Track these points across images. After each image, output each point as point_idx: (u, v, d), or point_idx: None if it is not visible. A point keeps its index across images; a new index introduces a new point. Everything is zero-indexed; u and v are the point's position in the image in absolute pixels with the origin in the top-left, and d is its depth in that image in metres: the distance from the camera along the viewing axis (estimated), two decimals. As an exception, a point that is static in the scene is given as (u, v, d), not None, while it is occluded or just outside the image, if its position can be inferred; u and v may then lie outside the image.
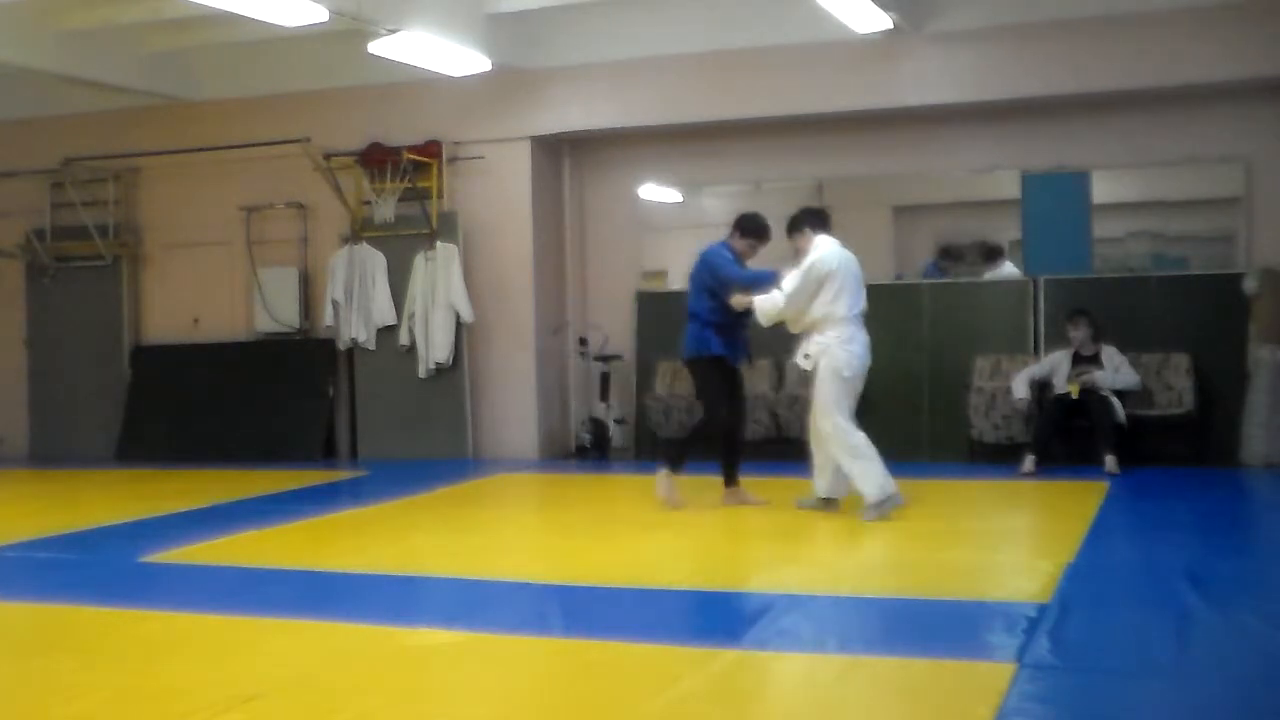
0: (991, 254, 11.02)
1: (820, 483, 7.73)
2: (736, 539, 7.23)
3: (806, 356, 7.55)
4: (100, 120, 12.52)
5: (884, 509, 7.38)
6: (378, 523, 8.29)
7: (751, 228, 8.03)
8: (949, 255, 11.20)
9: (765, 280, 7.72)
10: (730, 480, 8.16)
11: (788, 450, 10.03)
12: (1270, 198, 10.13)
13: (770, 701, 4.20)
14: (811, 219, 7.77)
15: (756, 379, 11.01)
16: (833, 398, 7.50)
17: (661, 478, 7.96)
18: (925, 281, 11.06)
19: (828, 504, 7.72)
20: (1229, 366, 9.91)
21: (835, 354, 7.46)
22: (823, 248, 7.57)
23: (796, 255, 7.66)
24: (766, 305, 7.60)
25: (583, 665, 4.61)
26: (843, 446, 7.47)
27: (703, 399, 8.18)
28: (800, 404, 10.59)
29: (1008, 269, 10.93)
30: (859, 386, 7.65)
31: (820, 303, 7.47)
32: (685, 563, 6.74)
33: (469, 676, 4.56)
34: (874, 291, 10.94)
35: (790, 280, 7.51)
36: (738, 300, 7.76)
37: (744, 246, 8.01)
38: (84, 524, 8.10)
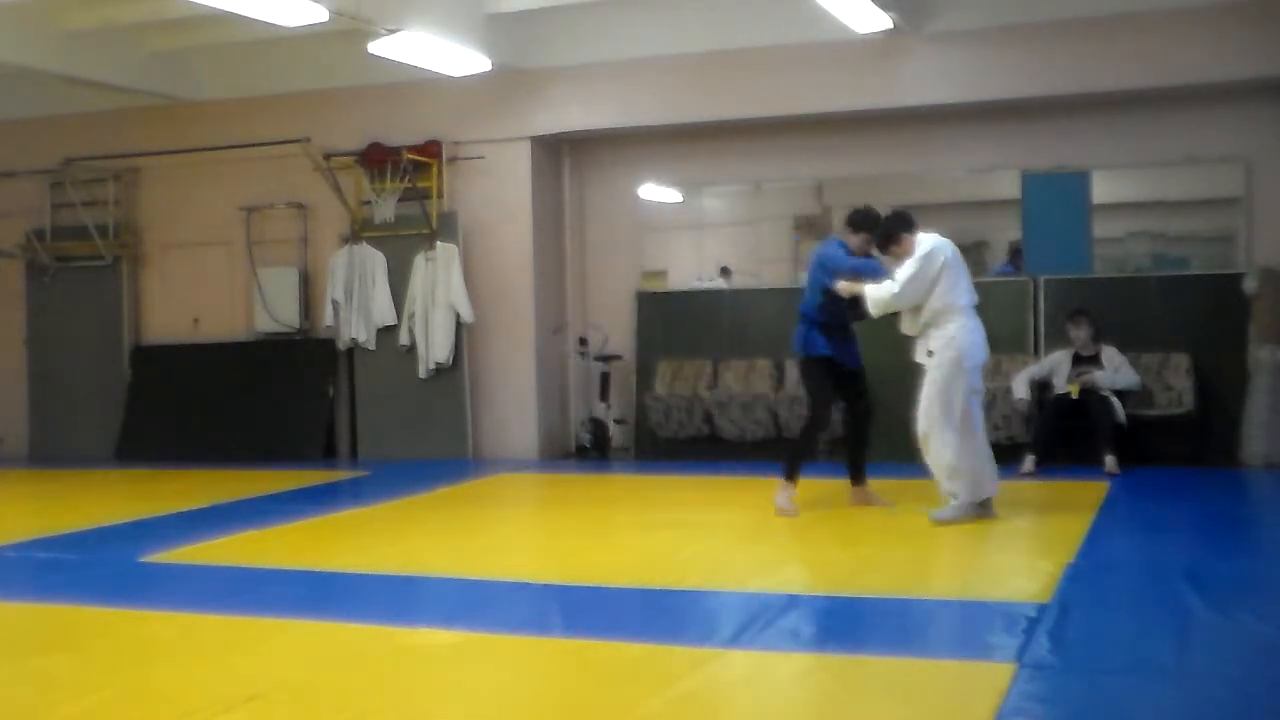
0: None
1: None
2: (736, 539, 7.23)
3: (930, 354, 7.29)
4: (100, 120, 12.52)
5: (960, 515, 7.22)
6: (378, 523, 8.29)
7: (864, 221, 7.79)
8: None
9: (872, 269, 7.56)
10: (857, 479, 8.00)
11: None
12: (1270, 198, 10.13)
13: (770, 701, 4.20)
14: (903, 224, 7.52)
15: (756, 379, 11.03)
16: (941, 394, 7.25)
17: (781, 488, 7.72)
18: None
19: (982, 508, 7.41)
20: (1229, 366, 9.91)
21: (959, 343, 7.26)
22: (929, 240, 7.37)
23: (897, 263, 7.42)
24: (878, 293, 7.33)
25: (583, 665, 4.61)
26: (933, 453, 7.28)
27: (808, 399, 8.08)
28: (800, 403, 10.59)
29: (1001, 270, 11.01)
30: (970, 384, 7.36)
31: (939, 292, 7.26)
32: (685, 563, 6.73)
33: (469, 676, 4.56)
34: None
35: (906, 269, 7.27)
36: (844, 286, 7.54)
37: (859, 242, 7.77)
38: (84, 524, 8.10)
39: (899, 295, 7.30)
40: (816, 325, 7.81)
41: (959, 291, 7.32)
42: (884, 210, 7.95)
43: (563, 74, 11.37)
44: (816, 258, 7.93)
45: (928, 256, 7.26)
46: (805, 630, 5.04)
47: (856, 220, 7.86)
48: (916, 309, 7.34)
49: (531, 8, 10.56)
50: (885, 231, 7.58)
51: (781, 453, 7.88)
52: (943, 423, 7.26)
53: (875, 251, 7.75)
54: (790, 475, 7.76)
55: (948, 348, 7.27)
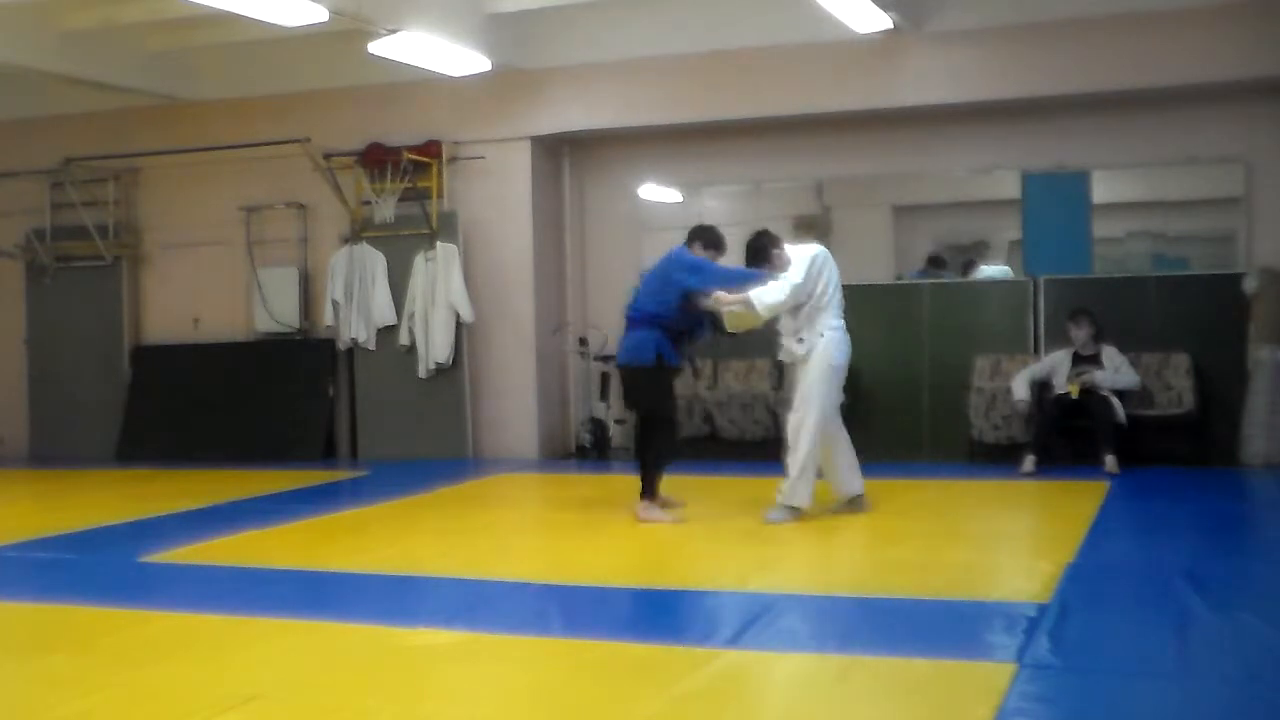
0: (968, 265, 11.15)
1: (834, 484, 7.69)
2: (737, 539, 7.23)
3: (801, 341, 7.49)
4: (100, 120, 12.52)
5: (790, 519, 7.38)
6: (378, 523, 8.29)
7: (714, 240, 7.84)
8: (936, 264, 11.25)
9: (755, 276, 7.59)
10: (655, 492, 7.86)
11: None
12: (1270, 198, 10.13)
13: (770, 701, 4.20)
14: (774, 241, 7.67)
15: (756, 379, 11.03)
16: (822, 390, 7.47)
17: (645, 507, 7.70)
18: (925, 281, 11.07)
19: (855, 502, 7.66)
20: (1229, 366, 9.91)
21: (829, 343, 7.45)
22: (805, 247, 7.63)
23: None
24: (770, 296, 7.42)
25: (583, 665, 4.61)
26: (806, 441, 7.39)
27: (655, 409, 7.87)
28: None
29: (988, 270, 11.01)
30: (842, 382, 7.65)
31: (817, 293, 7.48)
32: (685, 563, 6.74)
33: (469, 676, 4.56)
34: (874, 291, 11.14)
35: (795, 269, 7.45)
36: (724, 298, 7.54)
37: (706, 259, 7.79)
38: (84, 524, 8.10)
39: (792, 293, 7.44)
40: (665, 330, 7.66)
41: (834, 294, 7.54)
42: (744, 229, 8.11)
43: (563, 74, 11.37)
44: (677, 259, 7.75)
45: (811, 259, 7.48)
46: (805, 630, 5.04)
47: (706, 237, 7.85)
48: (794, 311, 7.52)
49: (531, 8, 10.55)
50: (758, 249, 7.66)
51: (641, 471, 7.77)
52: (814, 423, 7.41)
53: None
54: (653, 492, 7.70)
55: (824, 349, 7.45)
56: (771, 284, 7.47)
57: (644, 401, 7.88)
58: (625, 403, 8.25)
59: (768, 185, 11.67)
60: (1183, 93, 10.10)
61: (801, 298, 7.47)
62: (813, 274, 7.46)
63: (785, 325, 7.63)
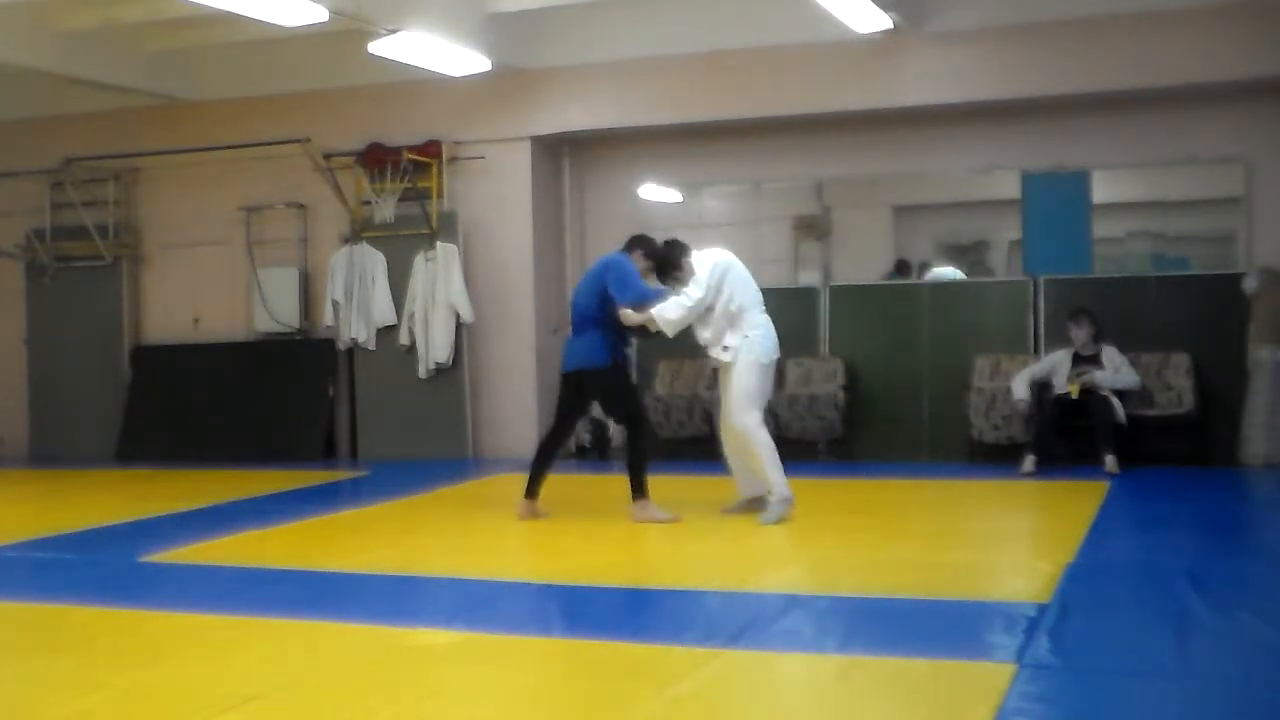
0: (923, 268, 11.28)
1: (742, 484, 7.74)
2: (736, 539, 7.23)
3: (726, 349, 7.52)
4: (100, 120, 12.52)
5: (785, 511, 7.41)
6: (378, 523, 8.29)
7: (655, 252, 7.85)
8: (901, 269, 11.34)
9: (656, 294, 7.63)
10: (534, 493, 7.92)
11: (788, 450, 10.00)
12: (1270, 198, 10.13)
13: (770, 701, 4.20)
14: (682, 250, 7.74)
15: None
16: (751, 391, 7.51)
17: (641, 508, 7.69)
18: (925, 281, 11.08)
19: (755, 503, 7.68)
20: (1229, 366, 9.91)
21: (754, 344, 7.50)
22: (708, 255, 7.64)
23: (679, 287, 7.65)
24: (670, 313, 7.51)
25: (582, 665, 4.61)
26: (758, 442, 7.46)
27: (622, 405, 7.93)
28: (800, 403, 10.61)
29: (939, 272, 11.20)
30: (771, 379, 7.72)
31: (725, 299, 7.51)
32: (685, 563, 6.74)
33: (469, 676, 4.56)
34: (874, 291, 11.16)
35: (693, 284, 7.51)
36: (630, 316, 7.60)
37: (645, 268, 7.82)
38: (84, 524, 8.10)
39: (691, 309, 7.52)
40: (613, 330, 7.71)
41: (747, 295, 7.57)
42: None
43: (563, 74, 11.37)
44: (605, 268, 7.73)
45: (711, 270, 7.52)
46: (805, 630, 5.04)
47: (647, 247, 7.88)
48: (706, 320, 7.55)
49: (531, 8, 10.56)
50: (665, 259, 7.73)
51: (629, 474, 7.77)
52: (758, 420, 7.50)
53: (654, 280, 7.81)
54: (644, 491, 7.69)
55: (747, 349, 7.49)
56: (671, 300, 7.55)
57: (619, 404, 7.96)
58: (604, 410, 8.28)
59: (768, 185, 11.67)
60: (1183, 93, 10.10)
61: (702, 311, 7.53)
62: (711, 287, 7.49)
63: (703, 336, 7.63)
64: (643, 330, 7.78)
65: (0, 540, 7.52)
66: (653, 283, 7.80)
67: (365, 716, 4.02)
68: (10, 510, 9.54)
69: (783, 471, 7.48)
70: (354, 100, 11.84)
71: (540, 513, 7.89)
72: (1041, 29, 10.13)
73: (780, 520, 7.39)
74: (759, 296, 7.68)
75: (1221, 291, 10.01)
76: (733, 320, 7.54)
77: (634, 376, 8.08)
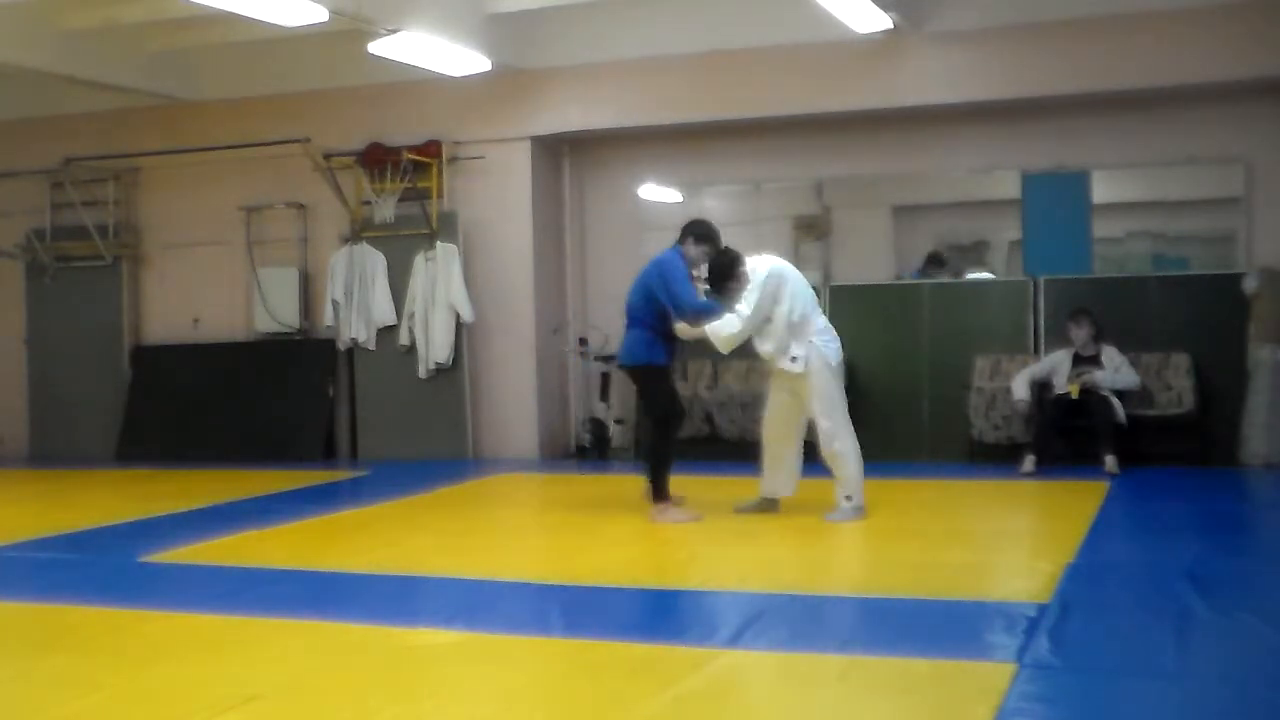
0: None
1: (769, 483, 7.70)
2: (737, 539, 7.23)
3: (794, 359, 7.42)
4: (100, 120, 12.52)
5: (854, 518, 7.42)
6: (378, 523, 8.29)
7: (705, 234, 7.81)
8: (935, 262, 11.24)
9: (713, 310, 7.53)
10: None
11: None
12: (1270, 198, 10.13)
13: (770, 701, 4.20)
14: (738, 260, 7.55)
15: (756, 379, 11.01)
16: (834, 396, 7.50)
17: (662, 510, 7.70)
18: (925, 281, 11.07)
19: (770, 505, 7.69)
20: (1229, 366, 9.91)
21: (821, 349, 7.44)
22: (763, 264, 7.50)
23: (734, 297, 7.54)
24: (725, 331, 7.41)
25: (583, 665, 4.61)
26: (849, 444, 7.48)
27: (659, 406, 7.91)
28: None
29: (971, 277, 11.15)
30: (843, 381, 7.71)
31: (785, 310, 7.39)
32: (685, 563, 6.74)
33: (469, 676, 4.56)
34: (874, 291, 11.15)
35: (748, 298, 7.38)
36: (686, 330, 7.58)
37: (699, 254, 7.76)
38: (84, 524, 8.10)
39: (746, 324, 7.40)
40: (653, 330, 7.71)
41: (807, 302, 7.50)
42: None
43: (563, 74, 11.37)
44: (657, 271, 7.73)
45: (765, 281, 7.39)
46: (805, 630, 5.04)
47: (699, 231, 7.82)
48: (765, 332, 7.44)
49: (531, 8, 10.56)
50: (721, 270, 7.57)
51: (649, 474, 7.78)
52: (844, 425, 7.50)
53: (704, 272, 7.71)
54: (666, 494, 7.70)
55: (816, 355, 7.43)
56: (728, 317, 7.44)
57: (653, 405, 7.95)
58: (642, 407, 8.26)
59: (768, 185, 11.67)
60: (1183, 93, 10.10)
61: (758, 325, 7.42)
62: (765, 300, 7.37)
63: (764, 349, 7.50)
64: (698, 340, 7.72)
65: (0, 540, 7.52)
66: (702, 274, 7.69)
67: (365, 716, 4.02)
68: (10, 510, 9.55)
69: (861, 478, 7.49)
70: (354, 100, 11.84)
71: (693, 514, 7.73)
72: (1041, 29, 10.13)
73: (847, 520, 7.39)
74: (816, 300, 7.62)
75: (1221, 291, 10.00)
76: (795, 330, 7.41)
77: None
